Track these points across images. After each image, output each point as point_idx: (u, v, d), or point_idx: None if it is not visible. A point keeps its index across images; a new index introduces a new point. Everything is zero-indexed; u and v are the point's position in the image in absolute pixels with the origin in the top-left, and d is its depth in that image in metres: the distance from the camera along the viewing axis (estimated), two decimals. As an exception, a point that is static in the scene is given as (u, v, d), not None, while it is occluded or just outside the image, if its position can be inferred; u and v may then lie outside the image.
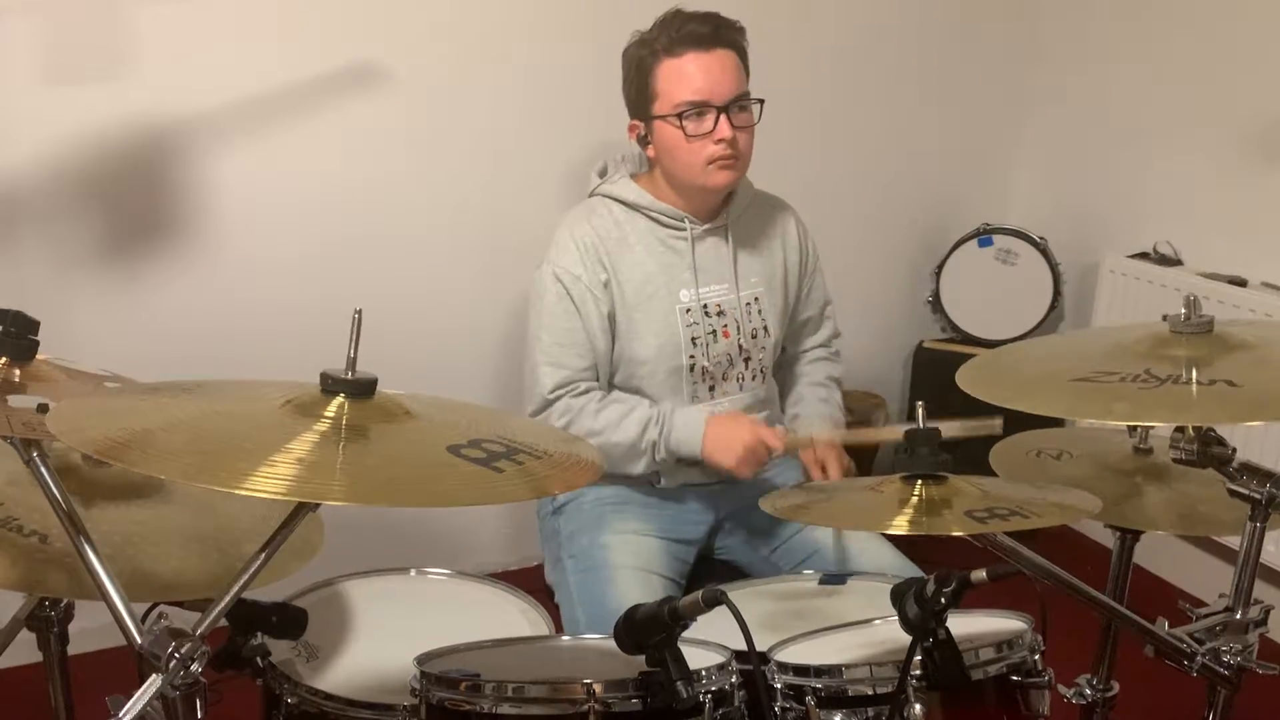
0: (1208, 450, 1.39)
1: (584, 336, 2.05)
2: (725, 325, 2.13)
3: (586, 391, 2.06)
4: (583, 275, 2.04)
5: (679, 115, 1.98)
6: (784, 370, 2.33)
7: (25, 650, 1.60)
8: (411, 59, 2.65)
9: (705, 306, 2.11)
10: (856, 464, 2.20)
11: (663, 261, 2.09)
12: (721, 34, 1.99)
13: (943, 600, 1.35)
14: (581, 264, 2.05)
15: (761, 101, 2.03)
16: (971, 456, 1.69)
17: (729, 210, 2.13)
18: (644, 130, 2.06)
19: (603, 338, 2.06)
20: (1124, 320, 2.99)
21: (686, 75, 1.98)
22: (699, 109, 1.98)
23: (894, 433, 1.96)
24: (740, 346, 2.14)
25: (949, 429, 1.52)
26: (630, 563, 2.01)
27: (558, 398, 2.05)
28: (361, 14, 2.59)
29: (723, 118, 1.98)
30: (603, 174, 2.18)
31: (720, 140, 1.98)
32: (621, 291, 2.07)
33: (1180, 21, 3.04)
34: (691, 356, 2.10)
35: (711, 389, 2.14)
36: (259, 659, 1.48)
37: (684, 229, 2.09)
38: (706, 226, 2.11)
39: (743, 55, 2.04)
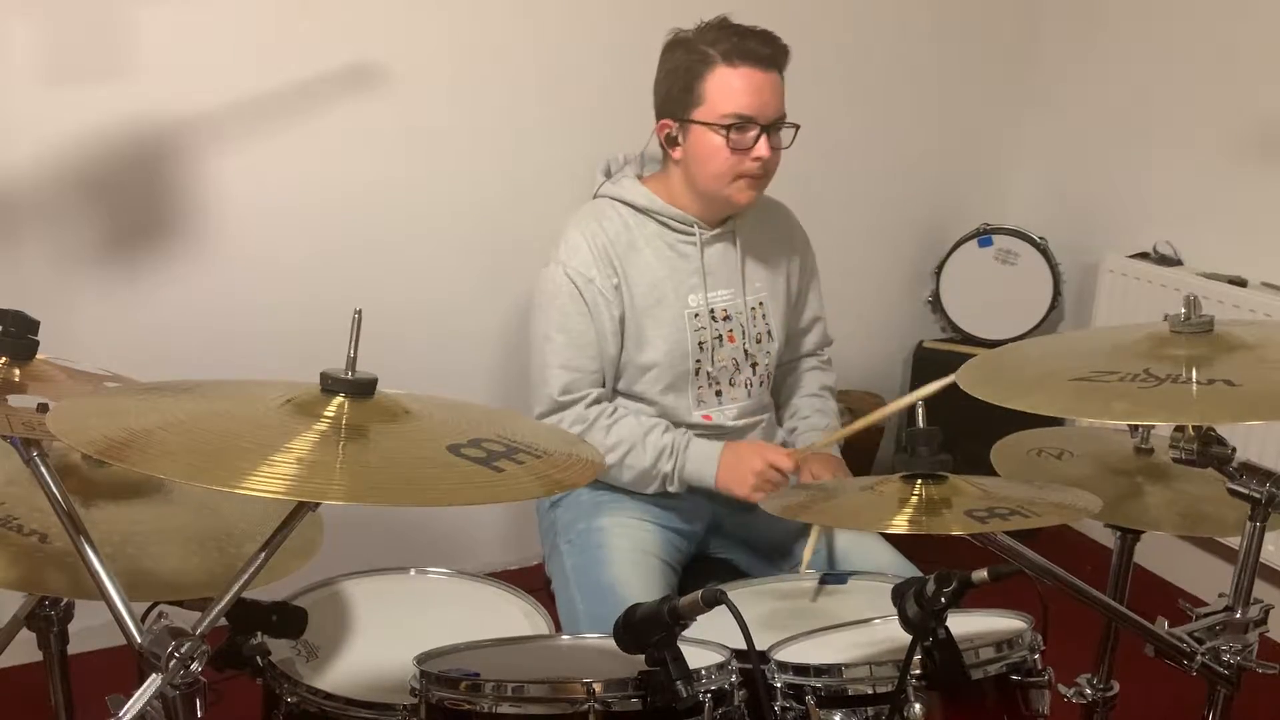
0: (1208, 450, 1.39)
1: (595, 338, 2.04)
2: (730, 330, 2.12)
3: (598, 401, 2.06)
4: (595, 277, 2.04)
5: (727, 127, 1.97)
6: (778, 380, 2.31)
7: (25, 650, 1.60)
8: (411, 60, 2.65)
9: (712, 311, 2.11)
10: (856, 465, 2.20)
11: (671, 266, 2.09)
12: (778, 59, 1.99)
13: (943, 600, 1.35)
14: (595, 265, 2.04)
15: (797, 127, 2.03)
16: (971, 456, 1.69)
17: (737, 215, 2.13)
18: (675, 131, 2.04)
19: (612, 341, 2.06)
20: (1124, 320, 2.99)
21: (739, 89, 1.96)
22: (745, 123, 1.97)
23: (885, 413, 1.96)
24: (745, 351, 2.14)
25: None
26: (627, 544, 2.01)
27: (569, 402, 2.04)
28: (362, 14, 2.59)
29: (764, 137, 1.98)
30: (607, 174, 2.17)
31: (757, 159, 1.98)
32: (631, 296, 2.06)
33: (1180, 21, 3.04)
34: (698, 361, 2.10)
35: (718, 394, 2.14)
36: (259, 658, 1.49)
37: (693, 234, 2.09)
38: (715, 231, 2.11)
39: (782, 80, 2.03)
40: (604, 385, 2.08)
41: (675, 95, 2.02)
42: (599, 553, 2.01)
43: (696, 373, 2.10)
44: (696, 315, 2.09)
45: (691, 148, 2.02)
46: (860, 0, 3.14)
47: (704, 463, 2.04)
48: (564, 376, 2.04)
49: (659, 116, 2.06)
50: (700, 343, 2.10)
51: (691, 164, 2.03)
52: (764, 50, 1.97)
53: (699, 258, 2.10)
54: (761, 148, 1.98)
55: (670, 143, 2.05)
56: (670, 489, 2.07)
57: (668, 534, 2.10)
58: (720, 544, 2.21)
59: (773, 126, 2.00)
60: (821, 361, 2.37)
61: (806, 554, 1.99)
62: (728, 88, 1.97)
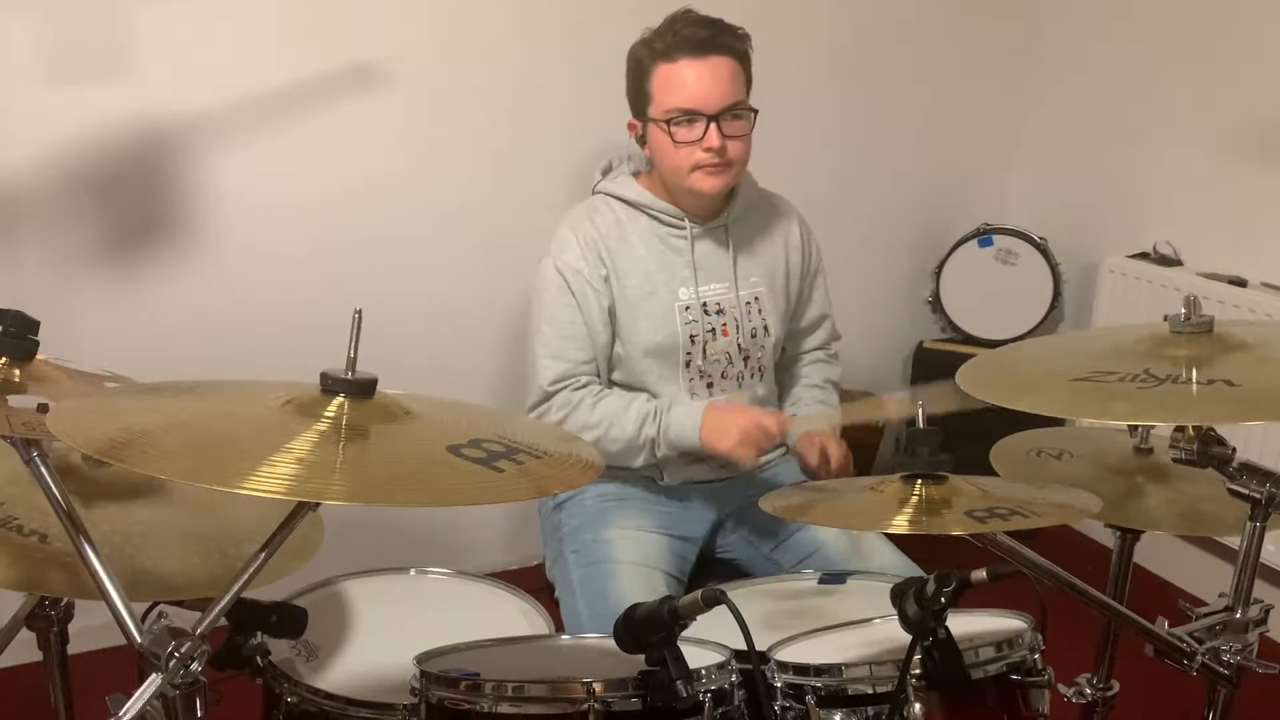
0: (1207, 450, 1.39)
1: (584, 330, 2.06)
2: (724, 324, 2.13)
3: (586, 385, 2.06)
4: (583, 269, 2.05)
5: (668, 121, 1.99)
6: (782, 372, 2.33)
7: (25, 650, 1.60)
8: (411, 59, 2.65)
9: (704, 305, 2.11)
10: (856, 464, 2.20)
11: (662, 260, 2.09)
12: (719, 40, 1.98)
13: (942, 599, 1.35)
14: (583, 258, 2.06)
15: (755, 111, 2.03)
16: (972, 457, 1.69)
17: (729, 210, 2.13)
18: (641, 130, 2.08)
19: (603, 331, 2.07)
20: (1124, 320, 2.99)
21: (678, 82, 1.98)
22: (689, 116, 1.98)
23: (883, 408, 1.95)
24: (739, 346, 2.14)
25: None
26: (632, 558, 2.01)
27: (557, 390, 2.05)
28: (361, 14, 2.59)
29: (713, 126, 1.97)
30: (606, 171, 2.18)
31: (709, 149, 1.98)
32: (622, 288, 2.07)
33: (1180, 21, 3.04)
34: (689, 354, 2.10)
35: (710, 387, 2.14)
36: (259, 658, 1.49)
37: (683, 228, 2.10)
38: (707, 226, 2.12)
39: (744, 61, 2.03)
40: (596, 376, 2.09)
41: (634, 97, 2.07)
42: (605, 565, 2.01)
43: (687, 365, 2.11)
44: (688, 308, 2.10)
45: (651, 145, 2.07)
46: (860, 0, 3.15)
47: (686, 421, 2.03)
48: (555, 367, 2.05)
49: (631, 117, 2.11)
50: (692, 335, 2.10)
51: (655, 161, 2.07)
52: (701, 34, 1.98)
53: (689, 251, 2.10)
54: (711, 137, 1.98)
55: (640, 141, 2.10)
56: (659, 454, 2.06)
57: (673, 543, 2.10)
58: (723, 544, 2.21)
59: (724, 114, 1.99)
60: (828, 355, 2.36)
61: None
62: (667, 83, 2.00)
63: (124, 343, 2.46)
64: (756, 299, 2.17)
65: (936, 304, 3.37)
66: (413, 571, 1.87)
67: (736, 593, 1.58)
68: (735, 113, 2.00)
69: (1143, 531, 1.73)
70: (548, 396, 2.06)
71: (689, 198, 2.09)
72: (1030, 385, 1.44)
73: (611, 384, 2.13)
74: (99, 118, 2.42)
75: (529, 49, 2.77)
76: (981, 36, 3.33)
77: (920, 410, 1.52)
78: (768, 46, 2.18)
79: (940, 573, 1.37)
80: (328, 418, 1.15)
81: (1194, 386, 1.30)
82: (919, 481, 1.44)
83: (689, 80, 1.98)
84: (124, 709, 1.11)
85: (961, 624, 1.46)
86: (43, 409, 1.24)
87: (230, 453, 1.09)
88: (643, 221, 2.10)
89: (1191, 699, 1.54)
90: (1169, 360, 1.35)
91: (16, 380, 1.35)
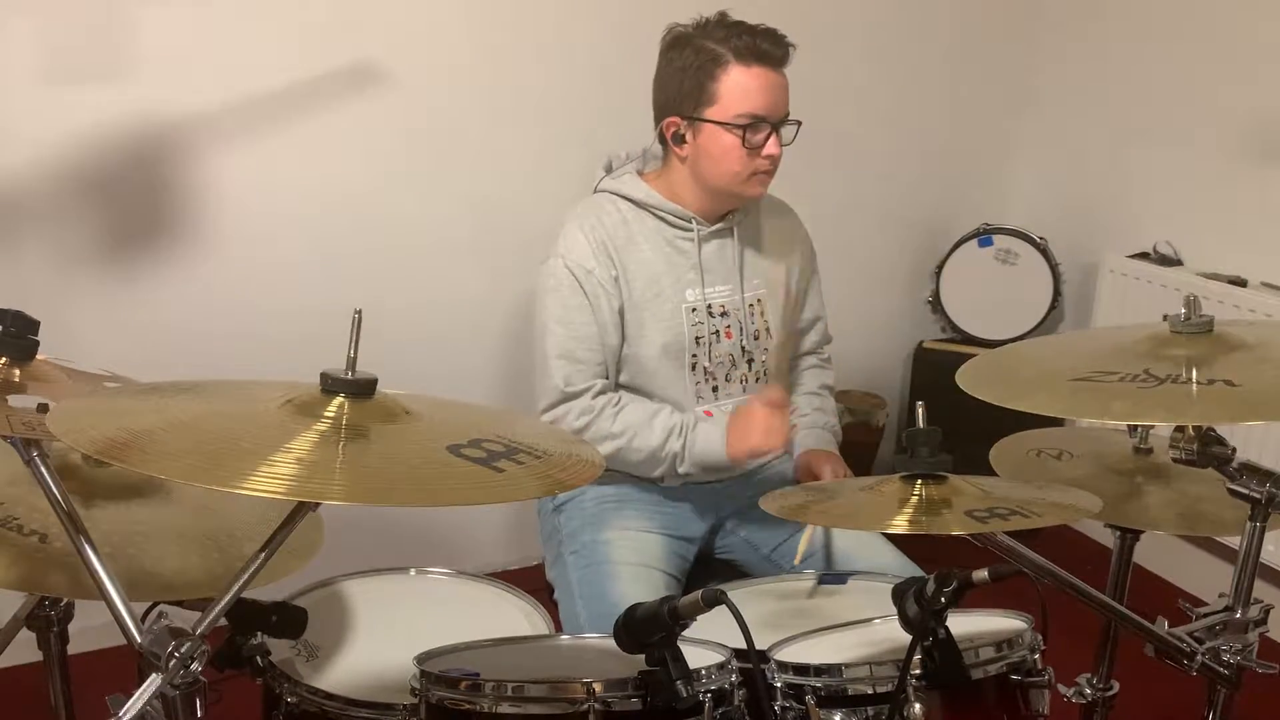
0: (1207, 450, 1.39)
1: (596, 330, 2.05)
2: (728, 326, 2.13)
3: (603, 392, 2.06)
4: (595, 269, 2.04)
5: (742, 127, 1.98)
6: (776, 377, 2.31)
7: (25, 650, 1.60)
8: (411, 59, 2.65)
9: (710, 307, 2.11)
10: (856, 464, 2.20)
11: (669, 261, 2.09)
12: (786, 59, 2.01)
13: (943, 600, 1.35)
14: (594, 258, 2.05)
15: (799, 123, 2.04)
16: (971, 456, 1.69)
17: (736, 212, 2.13)
18: (683, 129, 2.04)
19: (614, 332, 2.07)
20: (1124, 320, 2.99)
21: (754, 89, 1.97)
22: (758, 123, 1.98)
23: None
24: (742, 348, 2.14)
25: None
26: (632, 559, 2.01)
27: (574, 394, 2.04)
28: (362, 14, 2.59)
29: (774, 135, 1.99)
30: (608, 170, 2.17)
31: (768, 156, 2.00)
32: (630, 289, 2.07)
33: (1180, 21, 3.05)
34: (694, 356, 2.10)
35: (715, 390, 2.14)
36: (259, 658, 1.49)
37: (691, 229, 2.10)
38: (714, 228, 2.12)
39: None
40: (607, 377, 2.08)
41: (685, 93, 2.01)
42: (605, 567, 2.01)
43: (693, 367, 2.11)
44: (694, 310, 2.10)
45: (703, 146, 2.02)
46: (861, 0, 3.15)
47: (713, 435, 2.04)
48: (565, 368, 2.04)
49: (664, 114, 2.05)
50: (697, 337, 2.10)
51: (702, 161, 2.04)
52: (776, 51, 1.99)
53: (696, 254, 2.10)
54: (773, 145, 2.00)
55: (677, 140, 2.05)
56: (680, 469, 2.06)
57: (672, 543, 2.10)
58: (723, 544, 2.21)
59: (780, 124, 2.01)
60: (821, 360, 2.37)
61: (800, 548, 1.99)
62: (742, 88, 1.97)
63: (124, 343, 2.46)
64: (759, 301, 2.17)
65: (936, 304, 3.37)
66: (413, 571, 1.87)
67: (736, 593, 1.57)
68: (788, 124, 2.03)
69: (1143, 531, 1.73)
70: (565, 398, 2.04)
71: (724, 200, 2.09)
72: (1030, 385, 1.44)
73: (619, 386, 2.13)
74: (99, 118, 2.42)
75: (530, 51, 2.77)
76: (981, 37, 3.33)
77: (920, 411, 1.52)
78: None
79: (940, 573, 1.37)
80: (328, 418, 1.15)
81: (1194, 386, 1.30)
82: (919, 481, 1.44)
83: (765, 89, 1.98)
84: (124, 709, 1.11)
85: (961, 624, 1.46)
86: (43, 409, 1.24)
87: (230, 453, 1.09)
88: (649, 222, 2.10)
89: (1191, 699, 1.54)
90: (1169, 360, 1.35)
91: (16, 380, 1.35)
